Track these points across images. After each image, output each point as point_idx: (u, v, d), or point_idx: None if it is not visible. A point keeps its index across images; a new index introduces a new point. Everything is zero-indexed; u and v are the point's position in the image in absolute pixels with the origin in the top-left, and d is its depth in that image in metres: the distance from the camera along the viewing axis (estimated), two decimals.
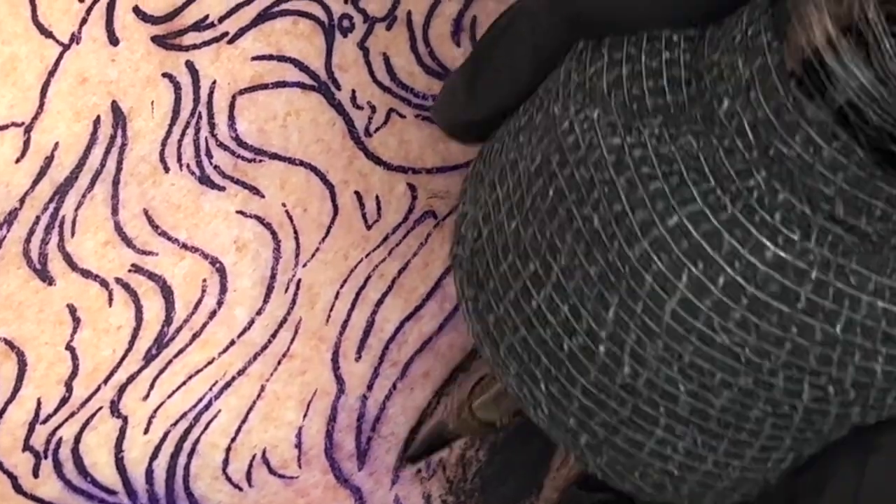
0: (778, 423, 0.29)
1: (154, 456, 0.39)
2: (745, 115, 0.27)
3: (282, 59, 0.39)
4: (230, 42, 0.39)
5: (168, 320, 0.39)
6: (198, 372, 0.39)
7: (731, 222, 0.27)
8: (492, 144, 0.32)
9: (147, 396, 0.39)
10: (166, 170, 0.38)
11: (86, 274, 0.38)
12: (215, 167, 0.39)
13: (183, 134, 0.38)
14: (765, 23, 0.27)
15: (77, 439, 0.39)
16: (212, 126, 0.39)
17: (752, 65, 0.27)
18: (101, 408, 0.39)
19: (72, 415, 0.39)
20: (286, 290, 0.39)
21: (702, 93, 0.28)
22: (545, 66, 0.31)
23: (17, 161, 0.37)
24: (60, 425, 0.39)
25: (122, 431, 0.39)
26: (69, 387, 0.39)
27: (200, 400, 0.39)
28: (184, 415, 0.39)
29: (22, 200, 0.37)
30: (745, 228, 0.27)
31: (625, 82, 0.29)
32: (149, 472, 0.39)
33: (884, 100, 0.24)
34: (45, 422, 0.39)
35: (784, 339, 0.27)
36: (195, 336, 0.39)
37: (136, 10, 0.38)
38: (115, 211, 0.38)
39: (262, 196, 0.39)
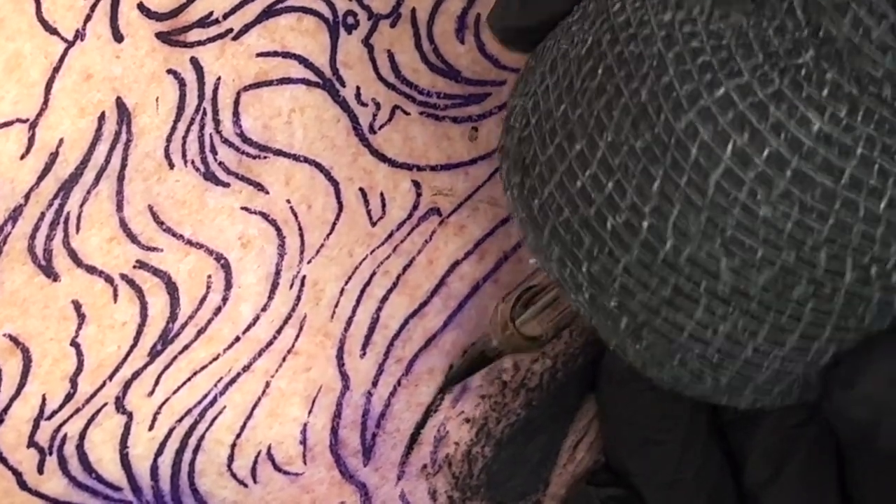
0: (819, 308, 0.29)
1: (159, 452, 0.39)
2: None
3: (286, 55, 0.39)
4: (235, 38, 0.39)
5: (173, 316, 0.39)
6: (203, 368, 0.39)
7: (778, 95, 0.27)
8: (544, 43, 0.33)
9: (152, 393, 0.39)
10: (171, 166, 0.38)
11: (91, 270, 0.38)
12: (220, 163, 0.39)
13: (188, 130, 0.38)
14: None
15: (82, 435, 0.39)
16: (216, 122, 0.39)
17: None
18: (105, 404, 0.39)
19: (76, 411, 0.39)
20: (291, 287, 0.39)
21: None
22: None
23: (22, 157, 0.37)
24: (65, 421, 0.39)
25: (127, 428, 0.39)
26: (74, 383, 0.39)
27: (205, 396, 0.39)
28: (189, 411, 0.39)
29: (27, 197, 0.38)
30: (791, 102, 0.27)
31: None
32: (154, 469, 0.39)
33: None
34: (49, 418, 0.39)
35: (827, 213, 0.27)
36: (200, 332, 0.39)
37: (141, 7, 0.38)
38: (119, 207, 0.38)
39: (267, 192, 0.39)
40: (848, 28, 0.26)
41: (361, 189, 0.40)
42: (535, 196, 0.31)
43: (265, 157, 0.39)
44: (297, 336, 0.40)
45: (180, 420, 0.39)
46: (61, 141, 0.38)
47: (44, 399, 0.38)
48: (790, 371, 0.30)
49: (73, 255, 0.38)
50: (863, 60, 0.26)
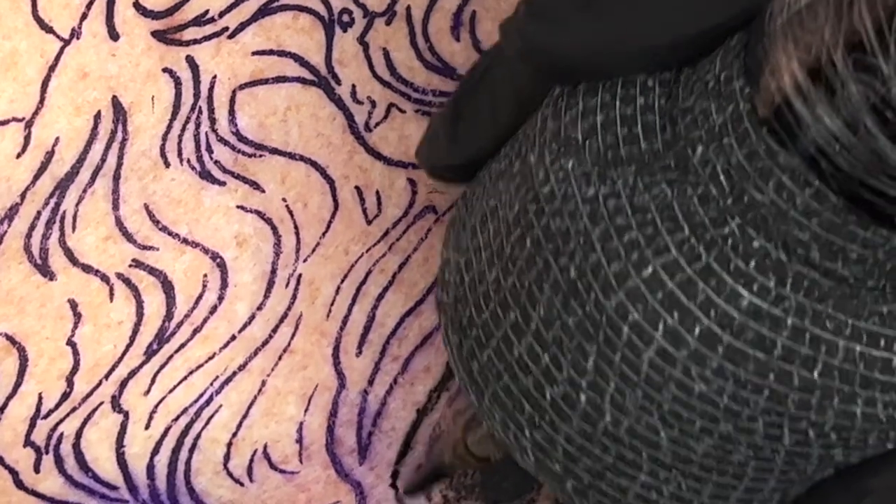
0: (761, 466, 0.29)
1: (155, 451, 0.39)
2: (719, 161, 0.27)
3: (282, 53, 0.39)
4: (230, 37, 0.39)
5: (169, 315, 0.39)
6: (199, 367, 0.39)
7: (706, 271, 0.27)
8: (473, 189, 0.33)
9: (148, 391, 0.39)
10: (167, 165, 0.38)
11: (87, 269, 0.38)
12: (216, 162, 0.39)
13: (183, 129, 0.38)
14: (737, 68, 0.27)
15: (78, 434, 0.39)
16: (212, 121, 0.39)
17: (725, 111, 0.27)
18: (102, 403, 0.39)
19: (73, 410, 0.39)
20: (287, 285, 0.39)
21: (676, 139, 0.28)
22: (524, 109, 0.31)
23: (18, 156, 0.37)
24: (62, 420, 0.39)
25: (124, 426, 0.39)
26: (70, 382, 0.39)
27: (201, 395, 0.39)
28: (185, 410, 0.39)
29: (23, 195, 0.38)
30: (719, 277, 0.27)
31: (599, 130, 0.28)
32: (150, 468, 0.39)
33: (853, 146, 0.24)
34: (46, 417, 0.39)
35: (762, 385, 0.27)
36: (196, 331, 0.39)
37: (137, 6, 0.38)
38: (115, 206, 0.38)
39: (263, 191, 0.39)
40: (772, 194, 0.26)
41: (357, 187, 0.40)
42: (473, 358, 0.31)
43: (261, 156, 0.39)
44: (293, 334, 0.40)
45: (176, 419, 0.39)
46: (57, 140, 0.38)
47: (40, 398, 0.38)
48: None
49: (70, 254, 0.38)
50: (789, 225, 0.26)
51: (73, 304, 0.38)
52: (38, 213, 0.38)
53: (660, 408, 0.28)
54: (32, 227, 0.38)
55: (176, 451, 0.39)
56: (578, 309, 0.28)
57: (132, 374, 0.39)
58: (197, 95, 0.38)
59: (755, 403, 0.27)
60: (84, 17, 0.38)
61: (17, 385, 0.38)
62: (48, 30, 0.37)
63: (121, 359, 0.39)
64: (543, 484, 0.43)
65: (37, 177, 0.38)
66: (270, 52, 0.39)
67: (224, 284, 0.39)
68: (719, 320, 0.27)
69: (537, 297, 0.29)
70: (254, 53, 0.39)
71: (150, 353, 0.39)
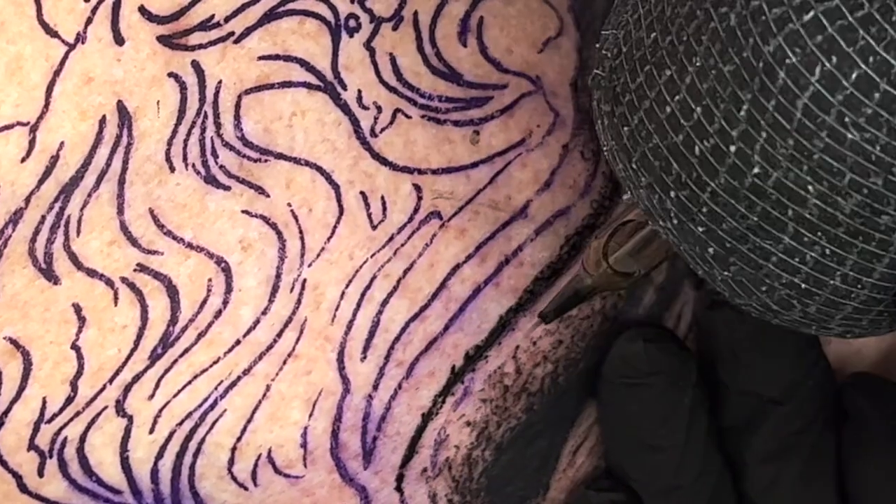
0: None
1: (159, 455, 0.39)
2: None
3: (288, 58, 0.39)
4: (236, 42, 0.39)
5: (173, 320, 0.39)
6: (203, 371, 0.39)
7: (867, 19, 0.27)
8: None
9: (152, 396, 0.39)
10: (172, 169, 0.38)
11: (91, 273, 0.38)
12: (221, 167, 0.39)
13: (189, 134, 0.38)
14: None
15: (82, 439, 0.39)
16: (217, 126, 0.39)
17: None
18: (106, 407, 0.39)
19: (77, 414, 0.39)
20: (291, 290, 0.39)
21: None
22: None
23: (23, 160, 0.37)
24: (65, 425, 0.39)
25: (128, 431, 0.39)
26: (74, 386, 0.39)
27: (206, 399, 0.39)
28: (189, 414, 0.39)
29: (27, 200, 0.37)
30: (880, 25, 0.27)
31: None
32: (154, 472, 0.39)
33: None
34: (50, 421, 0.39)
35: None
36: (200, 335, 0.39)
37: (142, 10, 0.38)
38: (120, 210, 0.38)
39: (268, 196, 0.39)
40: None
41: (362, 192, 0.40)
42: (624, 124, 0.31)
43: (266, 161, 0.39)
44: (298, 339, 0.40)
45: (181, 423, 0.39)
46: (62, 144, 0.37)
47: (44, 402, 0.38)
48: (880, 300, 0.31)
49: (74, 259, 0.38)
50: None
51: (78, 309, 0.38)
52: (43, 217, 0.38)
53: (810, 158, 0.28)
54: (37, 232, 0.38)
55: (180, 456, 0.39)
56: (735, 56, 0.28)
57: (136, 378, 0.39)
58: (202, 100, 0.38)
59: None
60: (89, 21, 0.37)
61: (21, 389, 0.38)
62: (53, 34, 0.37)
63: (125, 363, 0.39)
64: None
65: (41, 181, 0.37)
66: (276, 57, 0.39)
67: (229, 289, 0.39)
68: (877, 67, 0.27)
69: (694, 50, 0.29)
70: (259, 58, 0.39)
71: (154, 358, 0.39)
